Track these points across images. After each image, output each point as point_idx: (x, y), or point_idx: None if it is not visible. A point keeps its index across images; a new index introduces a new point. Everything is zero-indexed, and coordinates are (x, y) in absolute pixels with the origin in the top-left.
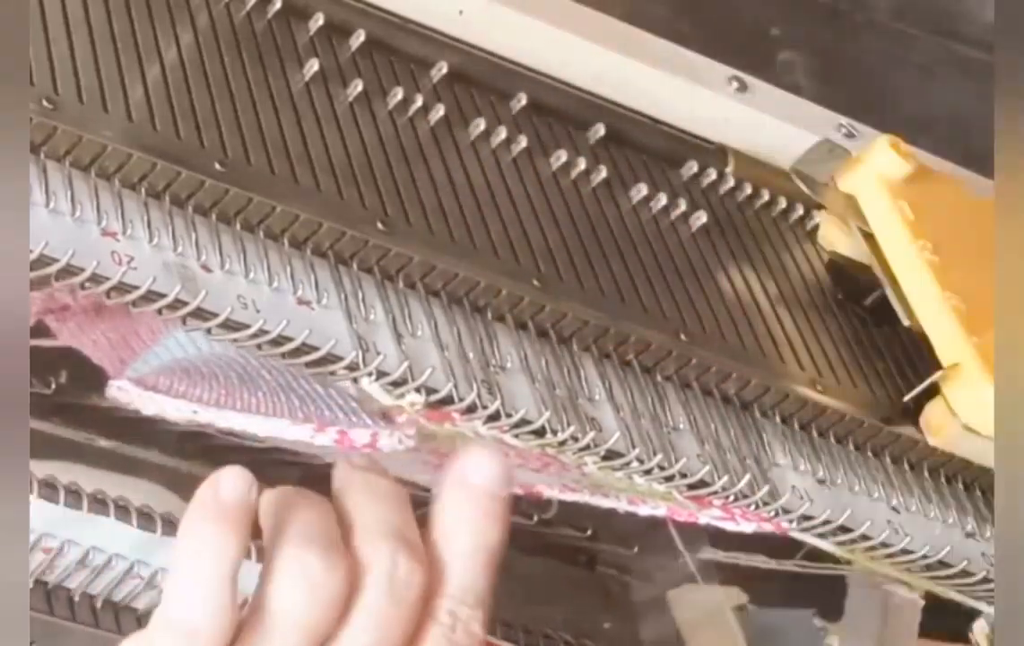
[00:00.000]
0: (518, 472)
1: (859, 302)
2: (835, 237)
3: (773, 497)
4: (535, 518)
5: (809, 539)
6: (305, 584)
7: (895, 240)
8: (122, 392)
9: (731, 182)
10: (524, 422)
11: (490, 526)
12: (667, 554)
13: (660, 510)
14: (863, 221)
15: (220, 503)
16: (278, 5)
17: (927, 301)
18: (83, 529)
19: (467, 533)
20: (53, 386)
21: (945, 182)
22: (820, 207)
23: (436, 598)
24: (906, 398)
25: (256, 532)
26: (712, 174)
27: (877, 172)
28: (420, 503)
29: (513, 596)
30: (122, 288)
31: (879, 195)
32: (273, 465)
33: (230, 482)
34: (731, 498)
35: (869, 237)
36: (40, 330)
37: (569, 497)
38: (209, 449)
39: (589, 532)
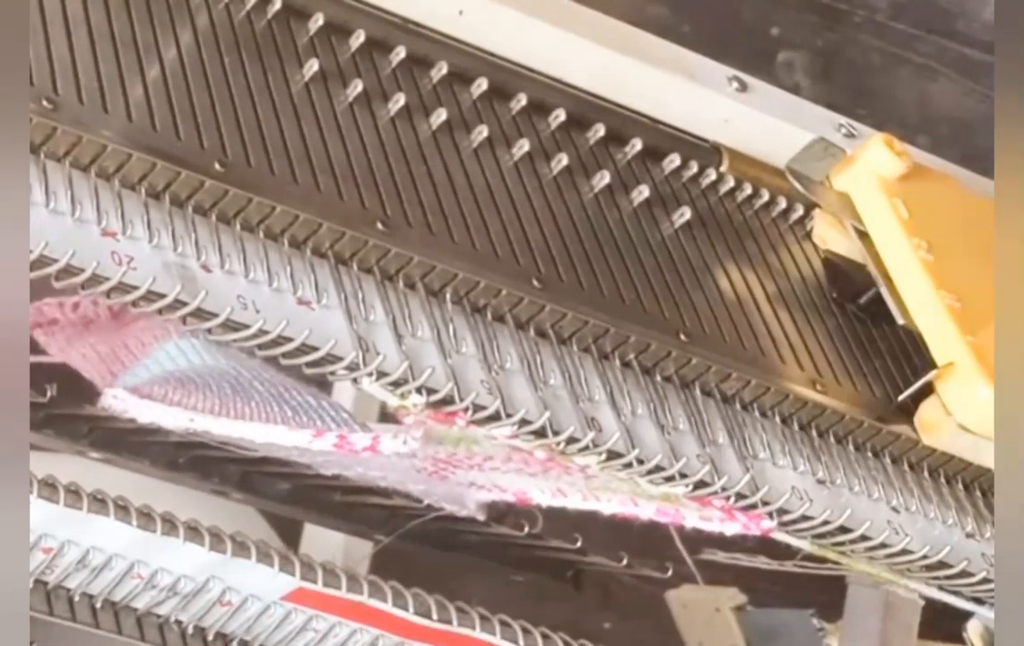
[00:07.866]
0: (514, 477)
1: (854, 301)
2: (830, 235)
3: (773, 497)
4: (525, 529)
5: (804, 545)
6: None
7: (890, 238)
8: (117, 400)
9: (731, 182)
10: (524, 422)
11: None
12: (657, 561)
13: (659, 510)
14: (858, 219)
15: None
16: (278, 5)
17: (922, 300)
18: (83, 529)
19: None
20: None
21: (940, 180)
22: (815, 205)
23: None
24: (900, 397)
25: None
26: (712, 174)
27: (872, 170)
28: (412, 515)
29: (514, 594)
30: (122, 288)
31: (874, 193)
32: (263, 477)
33: None
34: (731, 498)
35: (864, 235)
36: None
37: (560, 502)
38: (201, 460)
39: (579, 542)
